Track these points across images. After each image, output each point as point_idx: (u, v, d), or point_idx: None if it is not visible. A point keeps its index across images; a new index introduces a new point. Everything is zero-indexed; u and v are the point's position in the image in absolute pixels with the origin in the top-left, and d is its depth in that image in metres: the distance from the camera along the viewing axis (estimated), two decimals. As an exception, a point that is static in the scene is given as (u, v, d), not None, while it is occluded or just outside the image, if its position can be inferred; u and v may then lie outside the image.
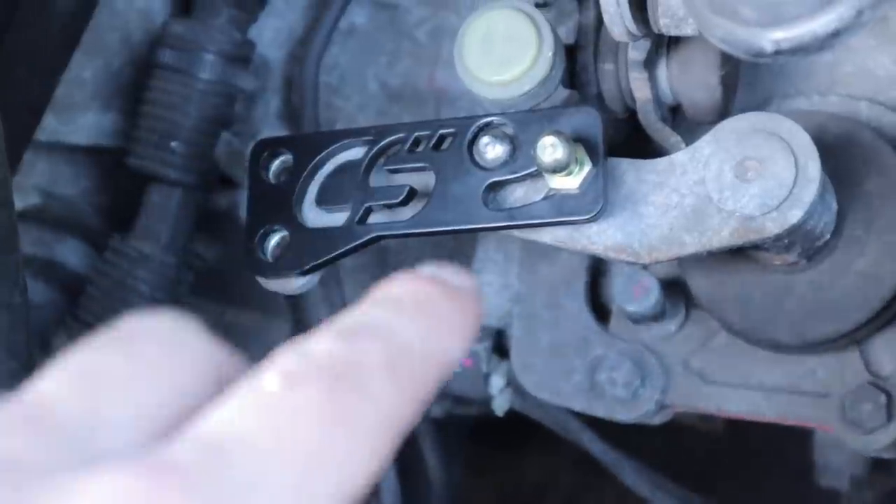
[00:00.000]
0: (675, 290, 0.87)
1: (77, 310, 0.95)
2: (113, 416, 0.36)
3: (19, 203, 0.92)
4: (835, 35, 0.55)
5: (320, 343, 0.39)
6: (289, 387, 0.37)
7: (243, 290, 1.05)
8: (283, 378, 0.37)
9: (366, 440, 0.38)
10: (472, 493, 1.35)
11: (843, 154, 0.79)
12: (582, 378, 0.89)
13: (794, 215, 0.70)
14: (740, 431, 1.16)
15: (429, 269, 0.45)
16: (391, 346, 0.40)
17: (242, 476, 0.35)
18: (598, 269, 0.92)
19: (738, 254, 0.79)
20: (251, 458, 0.35)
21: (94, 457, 0.35)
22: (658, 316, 0.86)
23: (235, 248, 1.03)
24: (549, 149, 0.68)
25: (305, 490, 0.36)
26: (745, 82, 0.85)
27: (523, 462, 1.43)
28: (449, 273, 0.45)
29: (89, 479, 0.33)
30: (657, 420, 0.89)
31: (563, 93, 0.81)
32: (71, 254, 1.04)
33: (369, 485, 0.38)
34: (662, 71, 0.79)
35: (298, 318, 1.04)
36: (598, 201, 0.70)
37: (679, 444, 1.21)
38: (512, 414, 1.01)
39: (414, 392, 0.40)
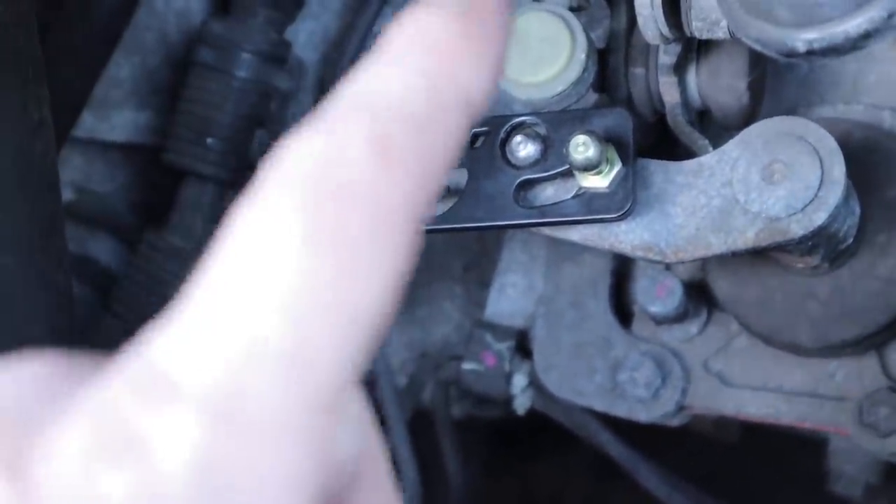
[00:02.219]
0: (698, 292, 0.88)
1: (111, 303, 0.97)
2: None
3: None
4: (866, 36, 0.57)
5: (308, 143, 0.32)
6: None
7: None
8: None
9: (357, 248, 0.32)
10: (488, 495, 1.36)
11: (866, 161, 0.81)
12: (603, 378, 0.90)
13: (819, 217, 0.72)
14: (754, 440, 1.18)
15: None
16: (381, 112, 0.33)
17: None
18: (622, 272, 0.94)
19: (762, 256, 0.81)
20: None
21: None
22: (680, 317, 0.88)
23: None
24: (581, 147, 0.70)
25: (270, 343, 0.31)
26: (770, 91, 0.87)
27: (539, 466, 1.44)
28: None
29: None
30: (676, 421, 0.90)
31: (594, 96, 0.83)
32: (103, 250, 1.06)
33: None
34: (692, 76, 0.81)
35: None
36: (627, 200, 0.72)
37: (693, 452, 1.23)
38: (529, 418, 1.02)
39: (417, 163, 0.34)
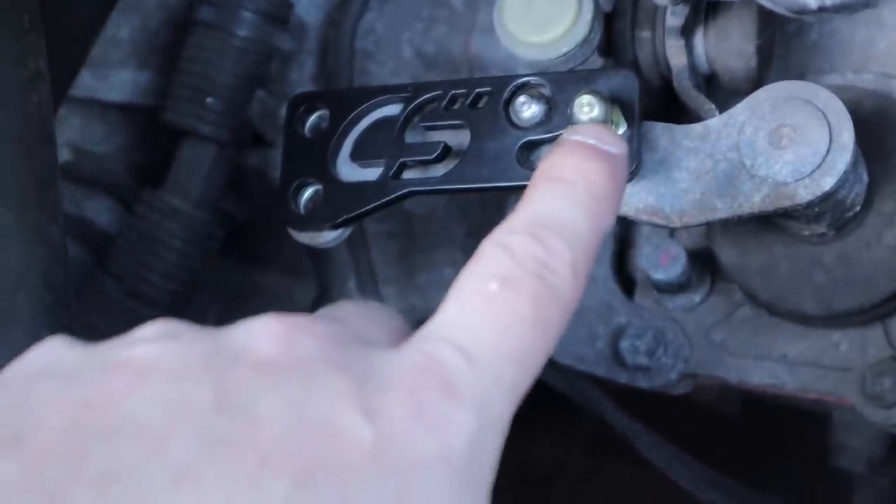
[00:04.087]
0: (702, 260, 0.87)
1: (107, 262, 0.96)
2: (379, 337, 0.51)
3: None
4: (878, -8, 0.56)
5: (520, 241, 0.50)
6: (506, 287, 0.49)
7: (270, 251, 1.06)
8: (500, 281, 0.49)
9: (553, 330, 0.49)
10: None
11: (876, 129, 0.80)
12: (605, 345, 0.89)
13: (827, 182, 0.71)
14: (756, 413, 1.17)
15: (591, 132, 0.57)
16: (573, 242, 0.51)
17: (481, 371, 0.47)
18: (625, 240, 0.93)
19: (767, 223, 0.80)
20: (484, 352, 0.47)
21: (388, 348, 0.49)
22: (684, 285, 0.87)
23: (264, 208, 1.04)
24: (586, 107, 0.69)
25: (507, 378, 0.48)
26: (778, 58, 0.85)
27: (536, 441, 1.43)
28: (608, 140, 0.56)
29: (404, 355, 0.47)
30: (678, 390, 0.90)
31: (599, 60, 0.82)
32: (100, 212, 1.04)
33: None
34: (699, 39, 0.80)
35: (323, 280, 1.04)
36: (631, 162, 0.71)
37: (694, 427, 1.22)
38: (526, 395, 1.01)
39: (583, 278, 0.52)
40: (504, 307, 0.49)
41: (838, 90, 0.75)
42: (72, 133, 1.02)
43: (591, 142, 0.56)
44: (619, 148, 0.56)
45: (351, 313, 0.53)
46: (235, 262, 1.06)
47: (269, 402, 0.44)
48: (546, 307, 0.49)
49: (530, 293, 0.49)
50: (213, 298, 1.04)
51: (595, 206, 0.53)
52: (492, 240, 0.52)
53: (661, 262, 0.85)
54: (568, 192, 0.53)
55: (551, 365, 0.93)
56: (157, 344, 0.46)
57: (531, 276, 0.49)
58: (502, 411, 0.48)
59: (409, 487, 0.44)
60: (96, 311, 0.94)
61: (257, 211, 1.04)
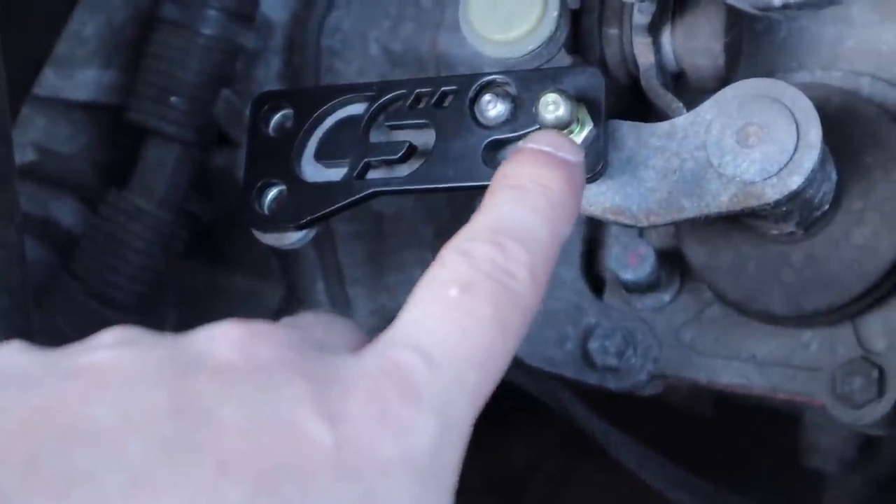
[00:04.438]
0: (671, 260, 0.87)
1: (71, 264, 0.95)
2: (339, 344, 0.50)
3: (15, 159, 0.92)
4: (842, -11, 0.55)
5: (479, 247, 0.51)
6: (465, 292, 0.49)
7: (236, 252, 1.05)
8: (460, 286, 0.49)
9: (514, 333, 0.50)
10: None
11: (844, 127, 0.79)
12: (574, 346, 0.89)
13: (794, 181, 0.70)
14: (728, 415, 1.16)
15: (548, 140, 0.57)
16: (532, 247, 0.52)
17: (442, 374, 0.47)
18: (594, 240, 0.92)
19: (735, 222, 0.80)
20: (445, 355, 0.48)
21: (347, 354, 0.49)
22: (652, 285, 0.86)
23: (230, 208, 1.03)
24: (552, 106, 0.68)
25: (469, 382, 0.48)
26: (747, 56, 0.85)
27: (509, 443, 1.42)
28: (564, 147, 0.57)
29: (365, 360, 0.47)
30: (648, 391, 0.89)
31: (567, 58, 0.81)
32: (66, 212, 1.03)
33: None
34: (667, 37, 0.79)
35: (291, 282, 1.03)
36: (598, 162, 0.70)
37: (666, 427, 1.21)
38: (500, 392, 1.01)
39: (544, 283, 0.52)
40: (464, 311, 0.49)
41: (806, 88, 0.74)
42: (36, 133, 1.01)
43: (548, 149, 0.57)
44: (575, 156, 0.57)
45: (310, 322, 0.53)
46: (201, 263, 1.05)
47: (228, 406, 0.44)
48: (506, 311, 0.50)
49: (490, 297, 0.49)
50: (178, 300, 1.03)
51: (552, 212, 0.54)
52: (451, 247, 0.52)
53: (629, 262, 0.84)
54: (525, 199, 0.54)
55: (521, 367, 0.92)
56: (114, 350, 0.46)
57: (491, 281, 0.50)
58: (464, 414, 0.48)
59: (371, 491, 0.44)
60: (61, 313, 0.93)
61: (223, 211, 1.03)
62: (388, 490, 0.45)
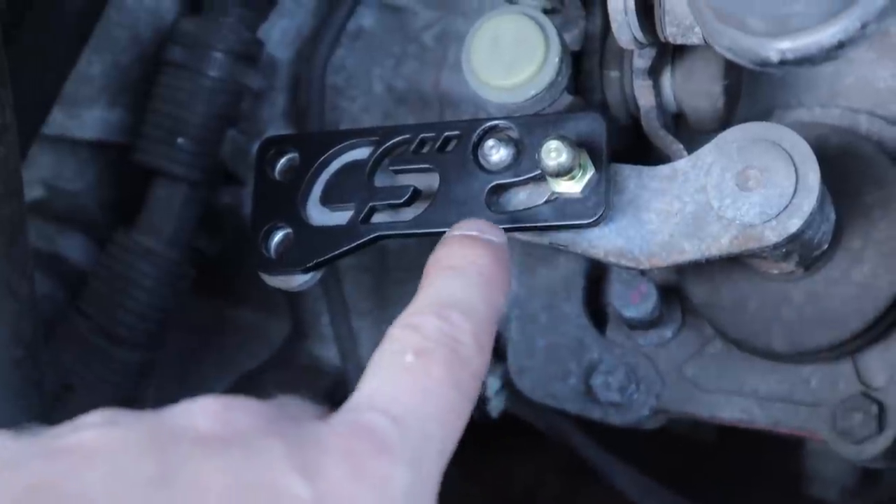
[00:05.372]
0: (672, 296, 0.88)
1: (79, 303, 0.96)
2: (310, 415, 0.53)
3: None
4: (839, 47, 0.56)
5: (426, 320, 0.55)
6: (420, 356, 0.53)
7: (244, 287, 1.06)
8: (414, 353, 0.53)
9: (468, 394, 0.54)
10: (461, 496, 1.35)
11: (843, 166, 0.80)
12: (577, 382, 0.90)
13: (794, 224, 0.71)
14: (731, 441, 1.17)
15: (473, 226, 0.63)
16: (472, 316, 0.56)
17: (410, 431, 0.50)
18: (596, 275, 0.93)
19: (736, 261, 0.80)
20: (410, 414, 0.51)
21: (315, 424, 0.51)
22: (655, 322, 0.87)
23: (237, 245, 1.04)
24: (554, 153, 0.69)
25: (435, 437, 0.51)
26: (747, 93, 0.86)
27: (512, 467, 1.43)
28: (488, 231, 0.63)
29: (336, 425, 0.50)
30: (650, 425, 0.90)
31: (568, 99, 0.82)
32: (74, 248, 1.04)
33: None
34: (667, 79, 0.80)
35: (298, 315, 1.04)
36: (600, 206, 0.71)
37: (669, 453, 1.22)
38: (501, 418, 1.02)
39: (488, 348, 0.56)
40: (422, 372, 0.53)
41: (805, 127, 0.75)
42: (44, 171, 1.02)
43: (474, 233, 0.63)
44: (498, 238, 0.63)
45: (280, 399, 0.56)
46: (208, 298, 1.06)
47: (213, 470, 0.46)
48: (459, 371, 0.54)
49: (443, 360, 0.54)
50: (185, 336, 1.04)
51: (486, 286, 0.59)
52: (399, 324, 0.56)
53: (632, 300, 0.85)
54: (461, 276, 0.59)
55: (525, 403, 0.93)
56: (99, 428, 0.48)
57: (441, 346, 0.54)
58: (433, 467, 0.51)
59: None
60: (67, 351, 0.94)
61: (230, 247, 1.04)
62: None
